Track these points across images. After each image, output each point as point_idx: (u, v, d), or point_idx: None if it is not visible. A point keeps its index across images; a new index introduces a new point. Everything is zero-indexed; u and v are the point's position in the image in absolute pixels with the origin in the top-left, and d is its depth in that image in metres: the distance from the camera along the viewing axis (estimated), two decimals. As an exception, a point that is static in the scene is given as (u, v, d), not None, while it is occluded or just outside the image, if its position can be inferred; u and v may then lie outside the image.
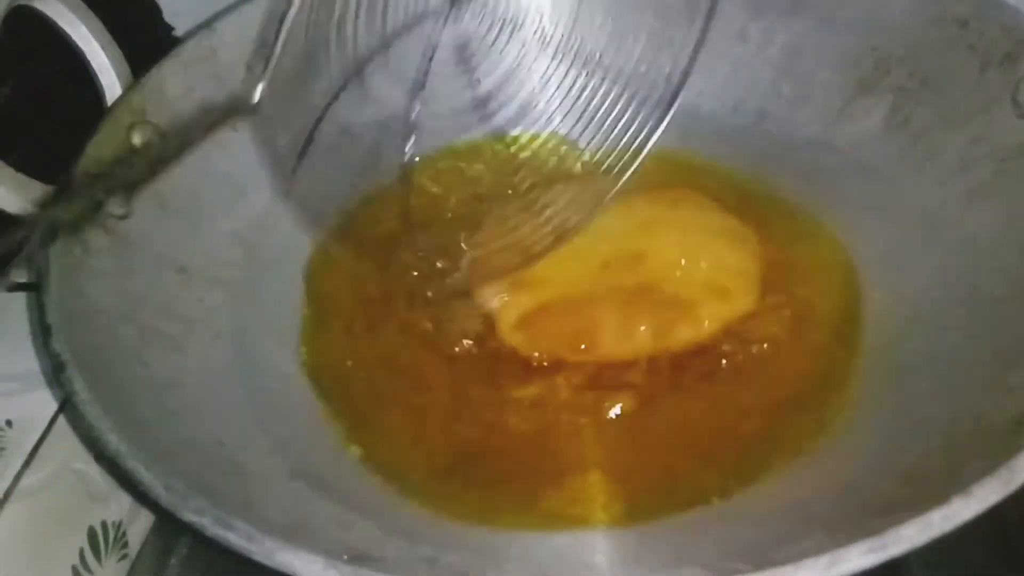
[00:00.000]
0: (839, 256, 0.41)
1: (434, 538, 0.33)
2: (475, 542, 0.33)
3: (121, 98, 0.40)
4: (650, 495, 0.35)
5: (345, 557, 0.25)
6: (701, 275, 0.40)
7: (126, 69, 0.41)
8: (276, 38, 0.29)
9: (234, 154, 0.43)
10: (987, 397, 0.30)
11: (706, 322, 0.39)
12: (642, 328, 0.39)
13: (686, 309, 0.39)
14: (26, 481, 0.34)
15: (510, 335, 0.40)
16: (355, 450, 0.37)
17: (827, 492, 0.31)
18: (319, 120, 0.36)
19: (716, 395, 0.37)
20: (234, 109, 0.29)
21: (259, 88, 0.29)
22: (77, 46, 0.40)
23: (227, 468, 0.32)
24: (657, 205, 0.43)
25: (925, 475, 0.29)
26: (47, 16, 0.39)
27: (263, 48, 0.30)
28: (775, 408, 0.36)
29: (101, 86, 0.41)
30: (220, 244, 0.41)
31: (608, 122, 0.43)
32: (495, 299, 0.41)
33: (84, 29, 0.40)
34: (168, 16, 0.53)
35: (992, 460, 0.25)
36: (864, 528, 0.24)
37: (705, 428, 0.36)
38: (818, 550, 0.24)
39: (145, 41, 0.47)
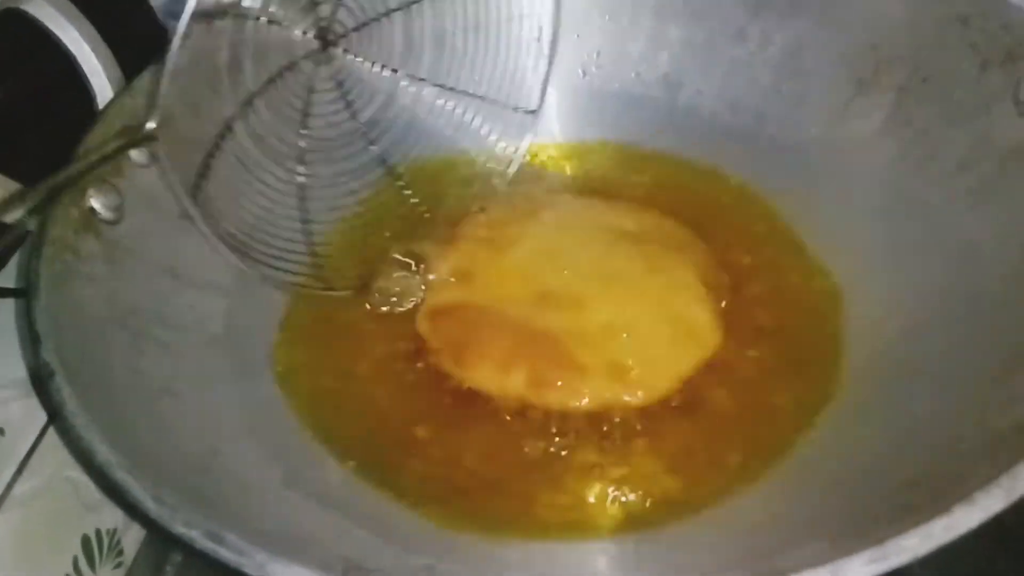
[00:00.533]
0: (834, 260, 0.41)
1: (431, 547, 0.32)
2: (473, 551, 0.33)
3: (112, 101, 0.39)
4: (650, 503, 0.34)
5: (341, 569, 0.25)
6: (615, 349, 0.38)
7: (117, 72, 0.41)
8: (163, 73, 0.32)
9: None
10: (990, 402, 0.30)
11: (582, 397, 0.37)
12: (518, 372, 0.38)
13: (569, 374, 0.38)
14: (19, 489, 0.34)
15: (420, 321, 0.41)
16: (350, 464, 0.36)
17: (829, 500, 0.31)
18: (214, 151, 0.38)
19: (715, 402, 0.37)
20: (131, 140, 0.32)
21: (152, 120, 0.31)
22: (68, 49, 0.39)
23: (220, 477, 0.31)
24: (636, 262, 0.42)
25: (928, 482, 0.28)
26: (37, 20, 0.38)
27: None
28: (775, 414, 0.36)
29: (92, 89, 0.40)
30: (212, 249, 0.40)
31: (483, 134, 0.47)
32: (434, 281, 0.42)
33: (75, 32, 0.39)
34: (163, 17, 0.52)
35: (996, 467, 0.24)
36: (867, 537, 0.24)
37: (705, 435, 0.36)
38: (820, 559, 0.23)
39: (139, 42, 0.47)
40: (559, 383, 0.38)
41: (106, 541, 0.38)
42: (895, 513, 0.26)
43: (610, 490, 0.35)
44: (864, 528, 0.26)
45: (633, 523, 0.34)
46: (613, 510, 0.34)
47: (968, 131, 0.38)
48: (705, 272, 0.42)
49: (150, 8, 0.51)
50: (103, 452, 0.27)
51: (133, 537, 0.40)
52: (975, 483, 0.24)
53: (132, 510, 0.35)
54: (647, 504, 0.34)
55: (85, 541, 0.37)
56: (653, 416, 0.37)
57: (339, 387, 0.39)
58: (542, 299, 0.40)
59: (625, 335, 0.39)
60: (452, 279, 0.42)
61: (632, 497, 0.35)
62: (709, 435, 0.36)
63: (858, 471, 0.32)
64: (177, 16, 0.51)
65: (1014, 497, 0.23)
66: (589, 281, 0.41)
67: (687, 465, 0.35)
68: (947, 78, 0.39)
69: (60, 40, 0.39)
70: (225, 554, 0.24)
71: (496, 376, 0.38)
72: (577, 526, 0.34)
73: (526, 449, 0.36)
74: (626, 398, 0.37)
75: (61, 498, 0.36)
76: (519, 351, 0.39)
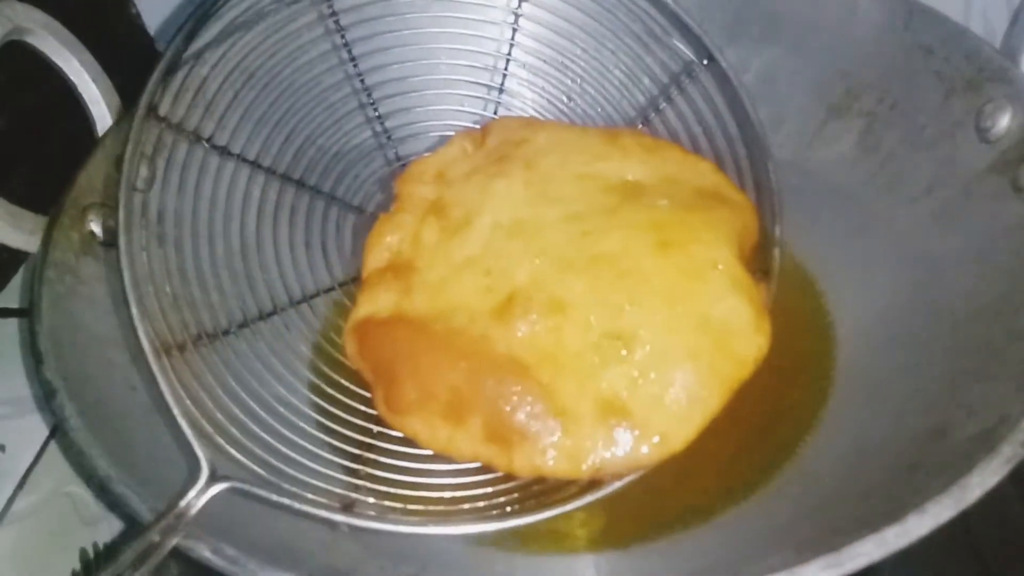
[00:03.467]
0: (804, 279, 0.42)
1: (416, 557, 0.33)
2: (458, 561, 0.34)
3: (111, 128, 0.41)
4: (628, 515, 0.35)
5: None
6: (613, 379, 0.27)
7: (116, 100, 0.42)
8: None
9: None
10: (949, 415, 0.31)
11: (564, 460, 0.27)
12: (472, 424, 0.28)
13: (544, 424, 0.27)
14: (19, 504, 0.35)
15: (346, 340, 0.32)
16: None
17: (797, 510, 0.32)
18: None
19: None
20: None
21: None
22: (69, 79, 0.41)
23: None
24: (640, 234, 0.30)
25: (890, 492, 0.29)
26: (40, 50, 0.40)
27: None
28: (748, 430, 0.37)
29: (92, 117, 0.42)
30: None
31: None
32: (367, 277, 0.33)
33: (76, 62, 0.41)
34: (160, 46, 0.54)
35: (949, 477, 0.25)
36: (829, 545, 0.25)
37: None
38: (783, 566, 0.25)
39: (137, 68, 0.49)
40: (532, 438, 0.27)
41: (104, 555, 0.39)
42: (860, 520, 0.28)
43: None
44: (829, 535, 0.27)
45: (613, 538, 0.35)
46: (594, 524, 0.35)
47: (933, 156, 0.39)
48: (743, 236, 0.31)
49: (149, 37, 0.53)
50: (103, 467, 0.28)
51: (130, 550, 0.41)
52: (929, 493, 0.25)
53: (131, 522, 0.35)
54: (627, 521, 0.35)
55: (83, 555, 0.38)
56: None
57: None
58: (507, 305, 0.29)
59: (626, 353, 0.27)
60: (389, 276, 0.31)
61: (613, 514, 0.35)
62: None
63: (826, 481, 0.33)
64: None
65: (963, 506, 0.25)
66: (572, 271, 0.29)
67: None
68: (913, 105, 0.41)
69: (61, 70, 0.41)
70: (220, 563, 0.25)
71: (439, 428, 0.29)
72: (560, 538, 0.35)
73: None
74: (629, 457, 0.27)
75: (60, 513, 0.37)
76: (474, 389, 0.28)
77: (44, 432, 0.37)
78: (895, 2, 0.41)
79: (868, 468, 0.32)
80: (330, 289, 0.38)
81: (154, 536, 0.26)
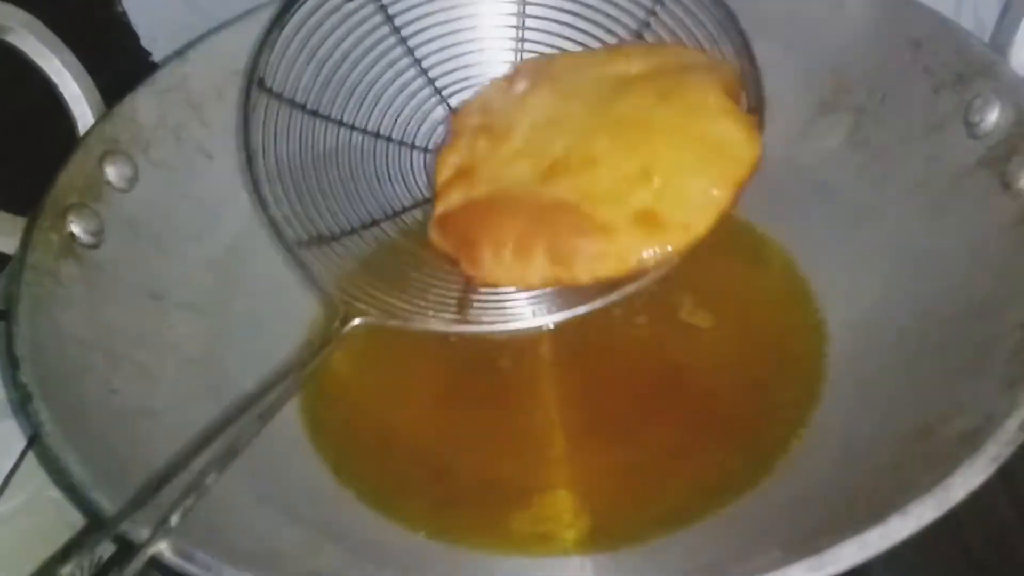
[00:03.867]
0: (795, 276, 0.42)
1: (401, 561, 0.33)
2: (443, 564, 0.34)
3: (93, 128, 0.40)
4: (616, 516, 0.35)
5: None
6: (640, 196, 0.35)
7: (98, 99, 0.42)
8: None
9: (208, 179, 0.43)
10: (936, 414, 0.31)
11: (613, 260, 0.35)
12: (538, 253, 0.36)
13: (592, 238, 0.35)
14: (1, 508, 0.35)
15: (430, 233, 0.40)
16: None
17: (785, 511, 0.32)
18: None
19: (679, 417, 0.38)
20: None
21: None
22: (49, 78, 0.41)
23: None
24: (646, 98, 0.38)
25: (876, 492, 0.29)
26: (20, 50, 0.39)
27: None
28: (737, 430, 0.37)
29: (74, 117, 0.41)
30: (193, 270, 0.41)
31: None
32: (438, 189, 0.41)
33: (56, 62, 0.40)
34: (145, 42, 0.54)
35: (934, 477, 0.25)
36: (812, 547, 0.25)
37: (669, 450, 0.37)
38: (768, 567, 0.24)
39: (123, 67, 0.48)
40: (584, 251, 0.35)
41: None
42: (845, 521, 0.27)
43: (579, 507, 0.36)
44: (815, 536, 0.27)
45: (600, 539, 0.35)
46: (581, 525, 0.35)
47: (923, 151, 0.39)
48: (730, 89, 0.38)
49: (135, 37, 0.53)
50: (77, 472, 0.27)
51: (114, 555, 0.41)
52: (912, 494, 0.25)
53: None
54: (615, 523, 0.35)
55: (66, 559, 0.38)
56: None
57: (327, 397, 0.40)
58: (550, 170, 0.38)
59: (646, 177, 0.36)
60: (455, 181, 0.40)
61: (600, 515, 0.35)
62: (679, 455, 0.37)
63: (813, 481, 0.33)
64: (159, 40, 0.52)
65: (946, 507, 0.24)
66: (597, 136, 0.38)
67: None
68: (903, 100, 0.40)
69: (42, 69, 0.40)
70: (194, 571, 0.25)
71: (515, 265, 0.36)
72: (547, 540, 0.35)
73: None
74: (661, 246, 0.35)
75: (43, 517, 0.37)
76: (533, 229, 0.36)
77: (25, 436, 0.37)
78: (884, -4, 0.40)
79: (855, 468, 0.32)
80: (414, 206, 0.43)
81: (295, 370, 0.32)
